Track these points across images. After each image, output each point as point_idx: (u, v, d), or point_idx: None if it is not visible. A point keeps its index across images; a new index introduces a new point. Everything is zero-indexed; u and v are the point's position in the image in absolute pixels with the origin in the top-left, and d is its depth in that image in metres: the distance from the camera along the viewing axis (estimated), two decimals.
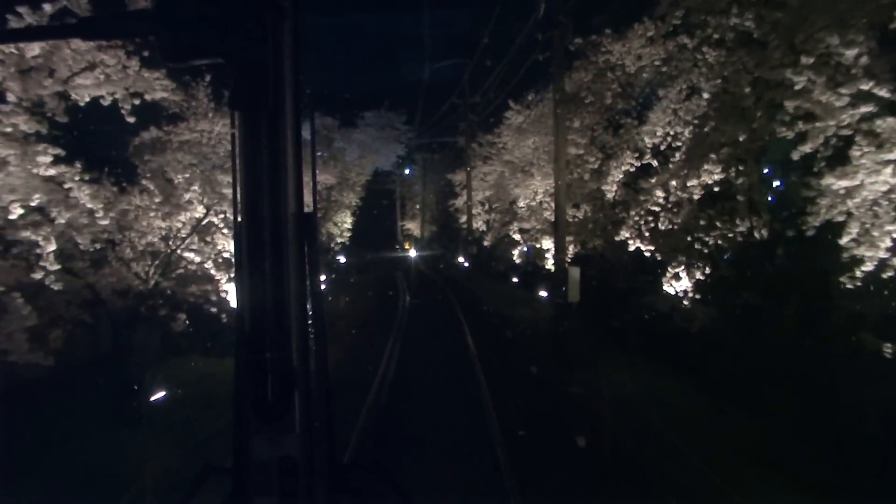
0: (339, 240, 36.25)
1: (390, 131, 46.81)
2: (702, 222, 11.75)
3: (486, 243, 34.02)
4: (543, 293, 21.30)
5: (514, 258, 29.36)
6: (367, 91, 47.41)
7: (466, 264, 36.08)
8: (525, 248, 28.21)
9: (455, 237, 46.65)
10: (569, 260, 21.69)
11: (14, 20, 6.55)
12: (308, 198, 1.63)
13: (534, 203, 22.10)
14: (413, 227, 59.11)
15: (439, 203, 52.05)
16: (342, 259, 42.16)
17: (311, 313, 1.62)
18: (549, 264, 21.71)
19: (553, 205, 21.58)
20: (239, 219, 1.54)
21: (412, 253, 53.81)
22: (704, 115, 11.22)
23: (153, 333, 11.69)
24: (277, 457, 1.55)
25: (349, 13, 51.54)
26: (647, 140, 13.62)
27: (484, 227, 34.60)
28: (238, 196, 1.53)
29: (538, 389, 11.79)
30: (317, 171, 2.13)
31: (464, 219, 36.31)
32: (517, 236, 28.56)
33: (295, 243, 1.56)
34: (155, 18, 1.46)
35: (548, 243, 21.17)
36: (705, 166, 11.62)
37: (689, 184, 11.30)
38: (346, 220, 36.16)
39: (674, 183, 11.59)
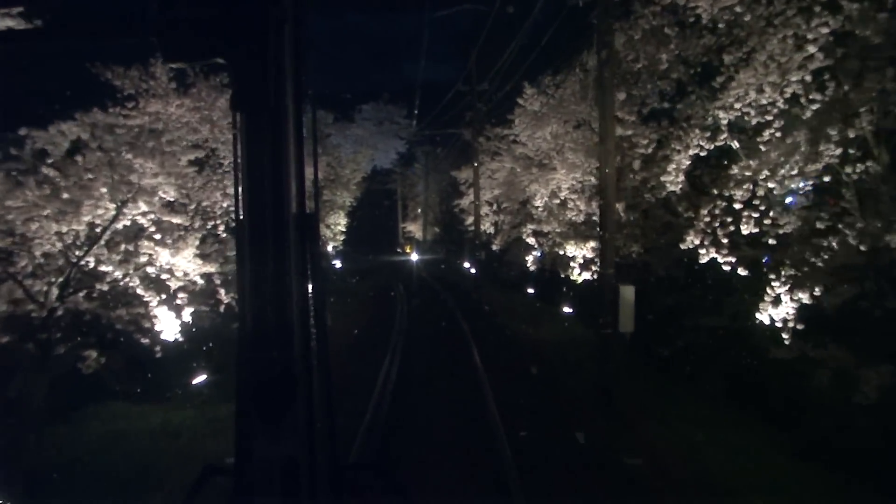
0: (332, 243, 32.81)
1: (390, 126, 43.33)
2: (819, 225, 8.22)
3: (494, 247, 30.55)
4: (568, 309, 17.74)
5: (528, 265, 25.78)
6: (367, 90, 43.94)
7: (473, 270, 32.54)
8: (538, 254, 24.71)
9: (459, 240, 43.16)
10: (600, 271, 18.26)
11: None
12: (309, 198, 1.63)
13: (556, 201, 18.52)
14: (415, 229, 55.53)
15: (442, 203, 48.48)
16: (338, 264, 38.80)
17: (312, 313, 1.59)
18: (575, 275, 18.17)
19: (579, 203, 18.09)
20: (241, 219, 1.54)
21: (413, 257, 50.33)
22: (831, 70, 7.70)
23: (35, 382, 8.22)
24: (280, 456, 1.52)
25: (350, 13, 48.38)
26: (721, 115, 10.06)
27: (492, 230, 31.16)
28: (240, 196, 1.53)
29: (593, 474, 8.18)
30: (304, 168, 1.64)
31: (470, 220, 32.79)
32: (531, 240, 25.06)
33: (296, 243, 1.55)
34: (157, 19, 1.44)
35: (573, 249, 17.64)
36: (820, 147, 8.13)
37: (807, 170, 7.79)
38: (340, 222, 32.68)
39: (785, 170, 8.05)
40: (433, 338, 17.34)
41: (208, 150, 17.29)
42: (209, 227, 16.58)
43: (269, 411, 1.51)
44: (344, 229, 33.21)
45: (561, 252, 18.25)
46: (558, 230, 19.45)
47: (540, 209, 22.56)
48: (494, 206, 30.70)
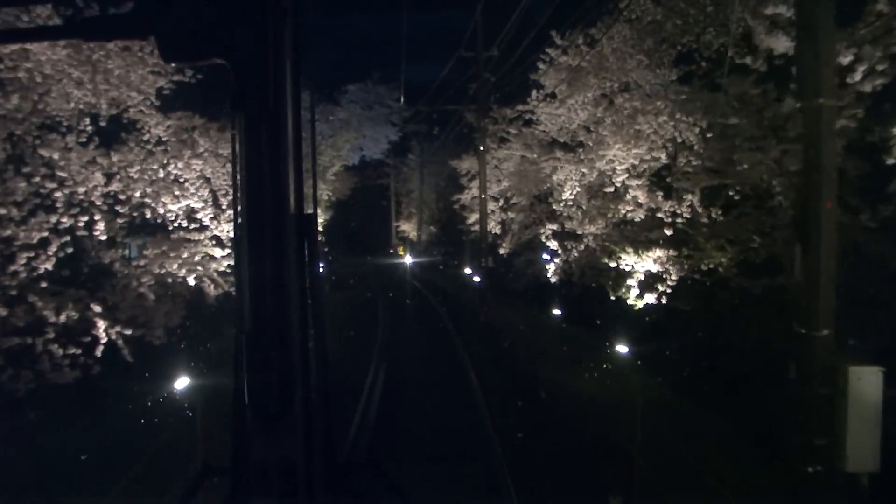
0: None
1: (380, 110, 37.63)
2: None
3: (501, 251, 25.11)
4: (623, 349, 12.23)
5: (549, 275, 20.22)
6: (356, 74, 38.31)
7: (477, 279, 27.03)
8: (558, 261, 19.24)
9: (459, 241, 37.67)
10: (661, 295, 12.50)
11: None
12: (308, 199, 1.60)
13: (609, 189, 12.90)
14: (409, 228, 49.87)
15: (440, 199, 42.85)
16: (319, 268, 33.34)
17: (310, 314, 1.60)
18: (633, 297, 12.65)
19: (638, 193, 12.59)
20: (239, 220, 1.54)
21: (407, 259, 44.76)
22: None
23: None
24: (277, 457, 1.51)
25: (350, 14, 43.15)
26: None
27: (498, 230, 25.83)
28: (238, 197, 1.53)
29: None
30: (302, 168, 1.65)
31: (473, 218, 27.47)
32: (552, 244, 19.63)
33: (295, 244, 1.55)
34: (156, 19, 1.44)
35: (631, 260, 12.15)
36: None
37: None
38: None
39: None
40: (426, 403, 11.08)
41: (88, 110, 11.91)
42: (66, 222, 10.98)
43: (266, 412, 1.48)
44: (319, 228, 27.73)
45: (612, 264, 12.70)
46: (599, 231, 13.97)
47: (569, 203, 17.13)
48: (501, 202, 25.35)
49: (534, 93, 19.46)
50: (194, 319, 15.73)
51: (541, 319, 18.37)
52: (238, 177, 1.49)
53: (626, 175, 11.82)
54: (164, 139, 13.32)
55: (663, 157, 11.36)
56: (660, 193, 12.06)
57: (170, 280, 13.96)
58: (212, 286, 16.13)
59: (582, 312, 16.62)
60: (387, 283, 31.13)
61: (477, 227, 27.13)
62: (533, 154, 21.74)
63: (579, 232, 16.17)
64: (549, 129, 19.91)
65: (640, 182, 11.75)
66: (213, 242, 15.76)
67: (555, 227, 19.64)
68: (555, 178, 18.78)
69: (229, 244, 15.56)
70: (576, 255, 17.92)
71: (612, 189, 12.33)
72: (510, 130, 23.43)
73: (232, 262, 16.43)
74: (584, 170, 15.36)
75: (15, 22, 7.39)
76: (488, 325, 18.55)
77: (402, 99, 34.33)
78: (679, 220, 11.96)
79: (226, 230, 16.22)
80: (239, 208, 1.51)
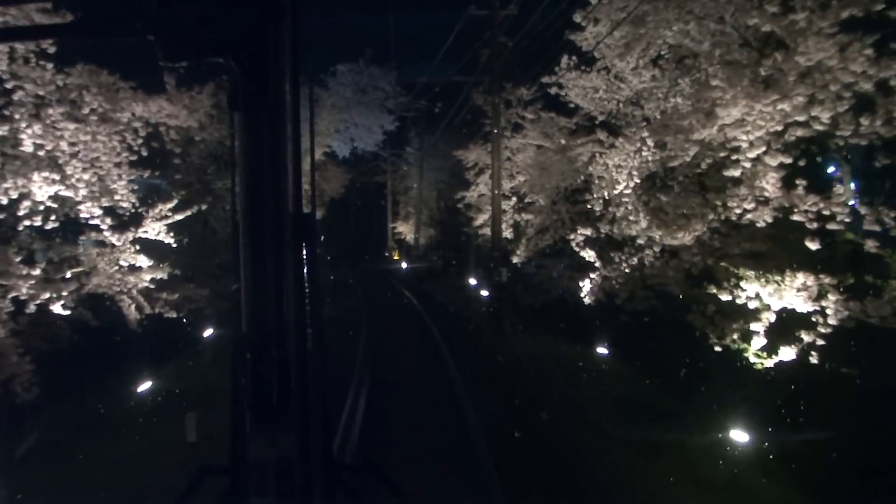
0: None
1: (374, 94, 32.86)
2: None
3: (515, 260, 20.56)
4: (741, 436, 7.40)
5: (582, 294, 15.46)
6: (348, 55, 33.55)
7: (485, 293, 22.37)
8: (595, 277, 14.67)
9: (461, 246, 33.03)
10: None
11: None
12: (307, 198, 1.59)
13: (735, 173, 7.85)
14: (406, 230, 45.08)
15: (441, 198, 38.06)
16: None
17: (309, 314, 1.59)
18: (754, 349, 7.85)
19: (765, 181, 7.80)
20: (237, 219, 1.53)
21: (403, 265, 40.06)
22: None
23: None
24: (275, 457, 1.51)
25: (349, 13, 39.01)
26: None
27: (510, 234, 21.37)
28: (237, 196, 1.53)
29: None
30: (301, 167, 1.66)
31: (480, 220, 22.98)
32: (587, 255, 15.08)
33: (293, 244, 1.55)
34: (155, 18, 1.43)
35: (760, 289, 7.36)
36: None
37: None
38: None
39: None
40: None
41: None
42: None
43: (264, 411, 1.47)
44: None
45: (726, 296, 7.87)
46: (690, 241, 9.20)
47: (623, 199, 12.49)
48: (514, 201, 20.80)
49: (564, 59, 14.93)
50: (92, 362, 11.16)
51: (582, 361, 13.47)
52: (237, 176, 1.48)
53: (764, 148, 6.99)
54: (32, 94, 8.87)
55: (825, 117, 6.61)
56: (801, 183, 7.31)
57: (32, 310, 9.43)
58: (133, 307, 11.81)
59: (638, 351, 11.87)
60: (375, 300, 26.29)
61: (484, 231, 22.51)
62: (560, 141, 17.36)
63: (641, 241, 11.47)
64: (584, 107, 15.53)
65: (786, 159, 6.95)
66: (134, 249, 11.70)
67: (588, 231, 15.11)
68: (592, 168, 14.37)
69: (138, 252, 11.32)
70: (626, 270, 13.37)
71: (736, 173, 7.44)
72: (526, 115, 18.92)
73: (159, 276, 12.21)
74: (655, 150, 10.64)
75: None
76: (510, 370, 13.53)
77: (393, 82, 29.75)
78: (833, 224, 7.25)
79: (151, 232, 11.99)
80: (238, 207, 1.49)
